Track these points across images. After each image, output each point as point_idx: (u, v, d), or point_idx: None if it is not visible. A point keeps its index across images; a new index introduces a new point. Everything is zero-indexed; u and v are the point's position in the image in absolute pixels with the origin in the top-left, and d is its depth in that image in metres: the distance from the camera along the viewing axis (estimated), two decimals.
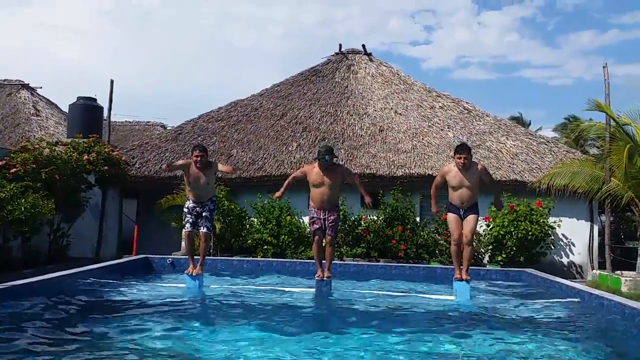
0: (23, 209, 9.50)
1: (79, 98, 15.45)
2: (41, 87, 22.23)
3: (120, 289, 7.49)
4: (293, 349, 4.44)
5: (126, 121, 27.94)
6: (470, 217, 7.32)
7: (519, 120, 32.41)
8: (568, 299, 7.19)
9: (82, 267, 8.34)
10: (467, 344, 4.89)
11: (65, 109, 17.57)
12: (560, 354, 4.58)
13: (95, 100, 15.65)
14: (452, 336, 5.06)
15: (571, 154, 15.00)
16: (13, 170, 10.32)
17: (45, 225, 11.26)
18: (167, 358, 4.23)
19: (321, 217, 7.76)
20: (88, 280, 7.52)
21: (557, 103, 64.57)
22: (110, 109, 14.95)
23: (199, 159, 7.44)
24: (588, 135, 18.86)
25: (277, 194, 8.12)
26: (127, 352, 4.27)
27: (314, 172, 7.65)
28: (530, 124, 32.90)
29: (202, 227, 7.71)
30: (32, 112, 20.50)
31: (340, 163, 7.29)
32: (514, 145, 14.93)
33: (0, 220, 9.35)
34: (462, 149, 7.10)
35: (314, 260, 8.40)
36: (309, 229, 8.68)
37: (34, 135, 17.52)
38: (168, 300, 6.81)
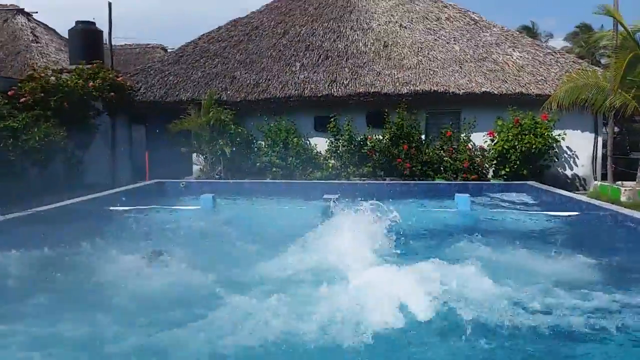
0: (37, 137, 9.75)
1: (77, 22, 15.19)
2: (37, 12, 21.67)
3: (139, 211, 7.88)
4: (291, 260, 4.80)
5: (125, 44, 27.35)
6: None
7: (530, 30, 31.48)
8: (566, 210, 7.51)
9: (101, 192, 8.70)
10: (463, 251, 5.23)
11: (63, 34, 17.30)
12: (555, 262, 4.93)
13: (94, 24, 15.39)
14: (449, 244, 5.40)
15: (577, 64, 14.78)
16: (23, 99, 10.45)
17: (60, 153, 11.54)
18: (188, 268, 4.63)
19: None
20: (108, 205, 7.90)
21: (569, 10, 62.02)
22: (110, 33, 14.73)
23: None
24: (599, 44, 18.39)
25: None
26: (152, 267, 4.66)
27: None
28: (539, 33, 31.96)
29: None
30: (30, 38, 20.13)
31: None
32: (520, 57, 14.70)
33: (17, 149, 9.61)
34: None
35: (322, 181, 8.66)
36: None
37: (36, 63, 17.37)
38: (184, 220, 7.20)
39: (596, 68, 14.58)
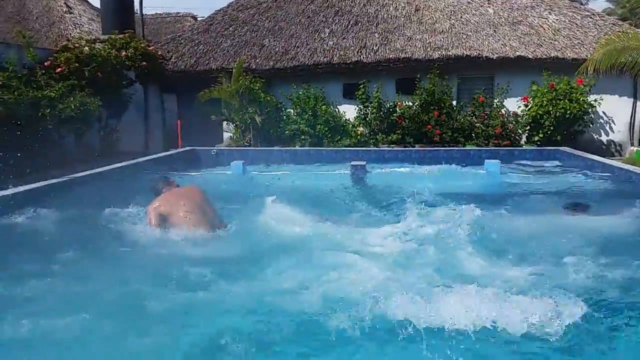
0: (73, 106, 10.04)
1: None
2: None
3: (175, 177, 8.11)
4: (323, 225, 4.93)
5: (156, 13, 27.53)
6: None
7: None
8: (598, 174, 7.37)
9: (138, 159, 8.98)
10: (488, 216, 5.21)
11: (95, 4, 17.52)
12: (585, 227, 4.89)
13: None
14: (477, 207, 5.39)
15: (617, 27, 14.15)
16: (59, 70, 10.73)
17: (95, 122, 11.87)
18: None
19: None
20: (146, 171, 8.17)
21: None
22: (141, 2, 14.85)
23: None
24: None
25: None
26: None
27: None
28: None
29: None
30: (64, 9, 20.47)
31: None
32: (557, 20, 14.17)
33: (54, 118, 9.94)
34: None
35: (350, 148, 8.71)
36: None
37: (70, 34, 17.71)
38: (218, 185, 7.40)
39: (638, 30, 13.93)
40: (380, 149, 12.50)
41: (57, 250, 4.44)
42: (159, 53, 14.04)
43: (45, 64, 10.88)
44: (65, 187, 6.38)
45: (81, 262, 4.31)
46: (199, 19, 22.82)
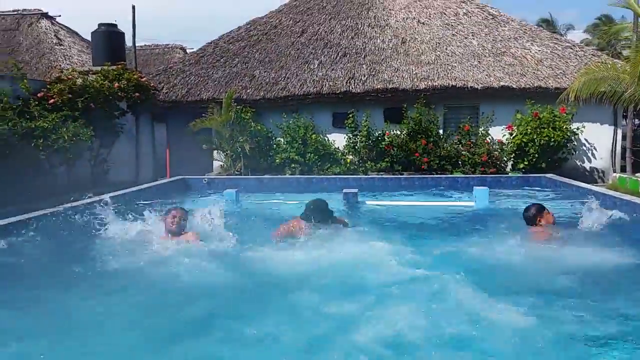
0: (66, 137, 10.11)
1: (100, 25, 15.58)
2: (60, 16, 22.24)
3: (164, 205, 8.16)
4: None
5: (145, 45, 27.90)
6: None
7: (549, 23, 31.23)
8: (584, 201, 7.56)
9: (128, 189, 9.00)
10: (482, 245, 5.36)
11: (86, 36, 17.75)
12: (571, 253, 5.03)
13: (116, 26, 15.76)
14: (468, 238, 5.55)
15: (597, 57, 14.70)
16: (52, 100, 10.83)
17: (87, 152, 11.92)
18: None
19: None
20: (138, 201, 8.20)
21: (590, 2, 61.08)
22: (134, 35, 15.12)
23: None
24: (619, 36, 18.20)
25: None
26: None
27: None
28: (559, 26, 31.68)
29: None
30: (54, 41, 20.68)
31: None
32: (539, 50, 14.68)
33: (46, 149, 9.98)
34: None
35: (340, 176, 8.84)
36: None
37: (60, 65, 17.86)
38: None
39: (616, 60, 14.46)
40: (370, 176, 12.69)
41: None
42: (151, 84, 14.22)
43: (39, 95, 10.98)
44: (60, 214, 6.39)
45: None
46: (188, 50, 23.16)
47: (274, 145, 14.34)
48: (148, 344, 3.36)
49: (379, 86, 13.87)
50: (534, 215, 5.57)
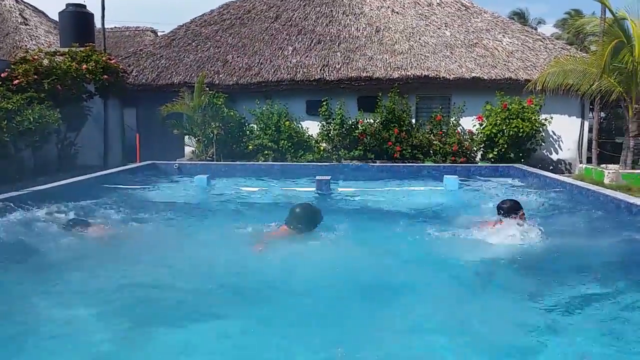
0: (31, 119, 9.80)
1: (68, 5, 15.12)
2: None
3: (135, 191, 8.04)
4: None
5: (115, 27, 27.17)
6: None
7: (520, 16, 31.70)
8: (550, 190, 7.77)
9: (97, 173, 8.82)
10: (448, 232, 5.44)
11: (53, 16, 17.20)
12: (535, 239, 5.16)
13: (84, 7, 15.32)
14: (436, 225, 5.63)
15: (566, 51, 15.02)
16: (16, 81, 10.47)
17: (53, 135, 11.59)
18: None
19: None
20: (106, 185, 8.06)
21: None
22: (103, 16, 14.72)
23: None
24: (585, 31, 18.62)
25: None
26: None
27: None
28: (530, 19, 32.19)
29: None
30: (19, 20, 19.94)
31: None
32: (510, 42, 14.91)
33: (11, 131, 9.67)
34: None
35: (313, 163, 8.85)
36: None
37: (25, 45, 17.27)
38: (179, 199, 7.38)
39: (584, 54, 14.82)
40: (343, 164, 12.73)
41: None
42: (120, 67, 13.89)
43: (2, 75, 10.60)
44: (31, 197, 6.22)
45: None
46: (159, 33, 22.68)
47: (247, 132, 14.23)
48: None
49: (353, 74, 13.87)
50: (508, 210, 5.40)
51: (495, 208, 5.50)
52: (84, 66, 12.18)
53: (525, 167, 10.00)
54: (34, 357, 3.03)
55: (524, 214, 5.47)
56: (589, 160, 13.94)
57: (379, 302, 3.73)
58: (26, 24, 19.98)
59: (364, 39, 15.06)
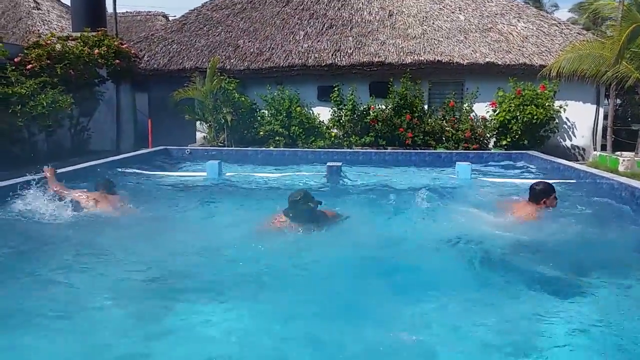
0: (44, 104, 9.87)
1: None
2: None
3: (148, 176, 8.09)
4: None
5: (127, 12, 27.17)
6: None
7: (535, 0, 31.10)
8: (564, 178, 7.69)
9: (112, 157, 8.88)
10: (461, 218, 5.41)
11: (65, 1, 17.20)
12: (550, 228, 5.11)
13: None
14: (448, 212, 5.60)
15: (582, 36, 14.74)
16: (29, 66, 10.52)
17: (66, 120, 11.68)
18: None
19: None
20: (120, 169, 8.13)
21: None
22: (114, 1, 14.68)
23: None
24: (601, 14, 18.23)
25: None
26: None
27: None
28: (545, 3, 31.59)
29: None
30: (32, 5, 20.01)
31: None
32: (525, 27, 14.66)
33: (24, 115, 9.74)
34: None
35: (324, 150, 8.82)
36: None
37: (38, 30, 17.35)
38: (191, 185, 7.42)
39: (601, 40, 14.54)
40: (354, 150, 12.68)
41: None
42: (132, 51, 13.89)
43: (15, 60, 10.65)
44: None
45: None
46: (170, 18, 22.61)
47: (258, 118, 14.20)
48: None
49: (365, 59, 13.74)
50: (540, 192, 5.33)
51: (528, 189, 5.45)
52: (96, 51, 12.20)
53: (539, 154, 9.89)
54: (50, 331, 3.08)
55: (555, 197, 5.41)
56: (603, 148, 13.75)
57: (398, 288, 3.74)
58: (38, 9, 20.04)
59: (376, 23, 14.89)
